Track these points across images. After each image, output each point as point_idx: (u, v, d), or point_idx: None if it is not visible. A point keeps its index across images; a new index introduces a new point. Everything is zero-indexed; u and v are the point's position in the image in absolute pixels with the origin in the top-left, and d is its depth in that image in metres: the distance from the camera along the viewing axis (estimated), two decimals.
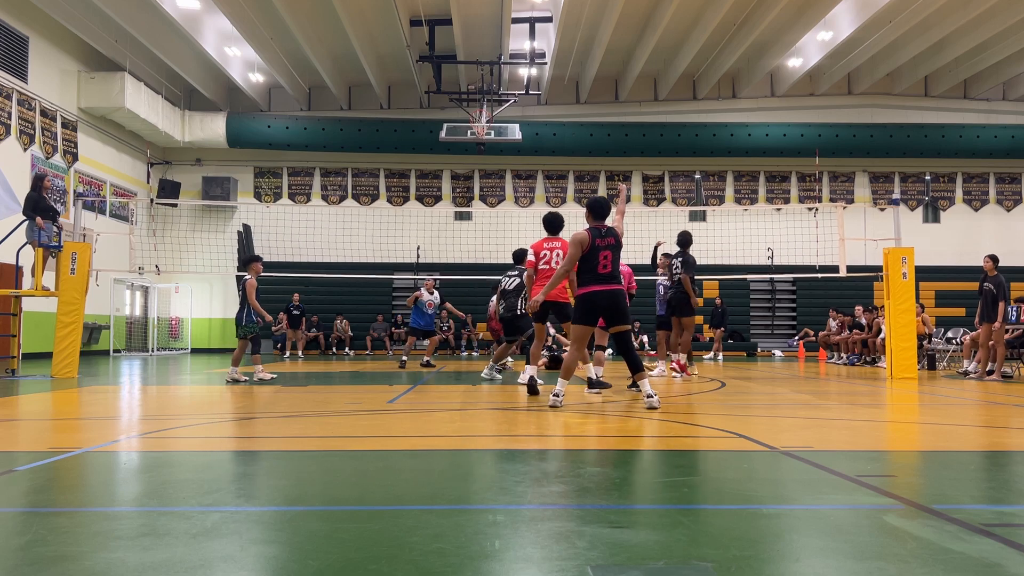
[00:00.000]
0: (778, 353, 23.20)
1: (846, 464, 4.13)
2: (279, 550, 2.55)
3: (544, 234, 8.97)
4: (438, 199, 25.44)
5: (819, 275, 15.98)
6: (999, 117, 25.32)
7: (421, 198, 25.45)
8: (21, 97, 17.54)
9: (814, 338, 21.02)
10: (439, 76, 21.57)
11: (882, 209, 24.82)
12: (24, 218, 12.17)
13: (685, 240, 11.61)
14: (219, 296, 24.65)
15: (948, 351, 15.89)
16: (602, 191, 25.29)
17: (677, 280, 11.37)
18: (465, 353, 23.24)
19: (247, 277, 10.85)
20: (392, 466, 4.21)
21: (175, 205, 24.17)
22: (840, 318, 18.83)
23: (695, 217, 25.12)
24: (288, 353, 21.14)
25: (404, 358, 14.91)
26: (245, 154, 24.59)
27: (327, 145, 24.16)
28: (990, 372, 11.64)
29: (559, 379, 7.07)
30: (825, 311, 20.63)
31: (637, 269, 11.20)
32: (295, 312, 21.19)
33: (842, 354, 18.00)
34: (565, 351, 11.02)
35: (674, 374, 11.50)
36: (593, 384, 8.58)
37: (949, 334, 16.11)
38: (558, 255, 8.66)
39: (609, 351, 11.56)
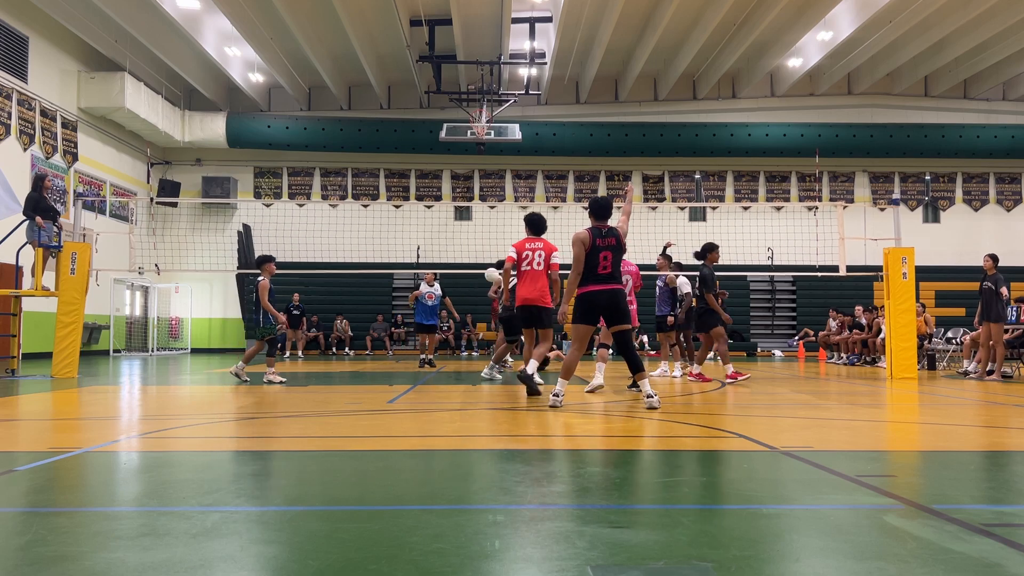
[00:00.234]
0: (778, 353, 23.20)
1: (846, 464, 4.13)
2: (279, 550, 2.55)
3: (525, 234, 8.67)
4: (438, 199, 25.44)
5: (819, 275, 15.98)
6: (999, 117, 25.32)
7: (421, 198, 25.45)
8: (21, 97, 17.54)
9: (814, 338, 21.01)
10: (439, 76, 21.58)
11: (882, 209, 24.83)
12: (24, 218, 12.17)
13: (703, 251, 10.76)
14: (219, 296, 24.66)
15: (948, 351, 15.90)
16: (602, 191, 25.30)
17: (699, 295, 10.69)
18: (465, 353, 23.24)
19: (260, 278, 10.74)
20: (392, 466, 4.21)
21: (175, 205, 24.18)
22: (840, 318, 18.83)
23: (695, 217, 25.14)
24: (288, 353, 21.14)
25: (422, 356, 14.75)
26: (245, 154, 24.59)
27: (327, 145, 24.16)
28: (990, 372, 11.65)
29: (559, 379, 7.07)
30: (825, 311, 20.63)
31: (641, 269, 11.08)
32: (295, 312, 21.19)
33: (842, 354, 18.00)
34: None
35: (689, 378, 10.91)
36: (526, 379, 7.87)
37: (949, 334, 16.12)
38: (540, 255, 8.38)
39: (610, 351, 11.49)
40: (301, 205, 24.44)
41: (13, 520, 3.01)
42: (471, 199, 25.42)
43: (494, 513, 3.04)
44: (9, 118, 17.10)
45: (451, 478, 3.88)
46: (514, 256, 8.51)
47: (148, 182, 23.91)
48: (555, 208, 23.60)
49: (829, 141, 24.31)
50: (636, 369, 7.04)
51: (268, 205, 24.15)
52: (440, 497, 3.38)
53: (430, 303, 14.88)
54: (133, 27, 18.56)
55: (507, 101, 21.62)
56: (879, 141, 24.45)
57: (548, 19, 20.49)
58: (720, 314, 10.50)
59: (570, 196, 25.42)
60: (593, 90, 24.82)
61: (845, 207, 14.78)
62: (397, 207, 24.97)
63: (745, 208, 24.81)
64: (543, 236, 8.66)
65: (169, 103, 22.60)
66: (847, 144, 24.44)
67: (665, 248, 12.39)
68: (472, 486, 3.71)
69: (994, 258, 11.81)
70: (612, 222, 7.26)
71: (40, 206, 12.14)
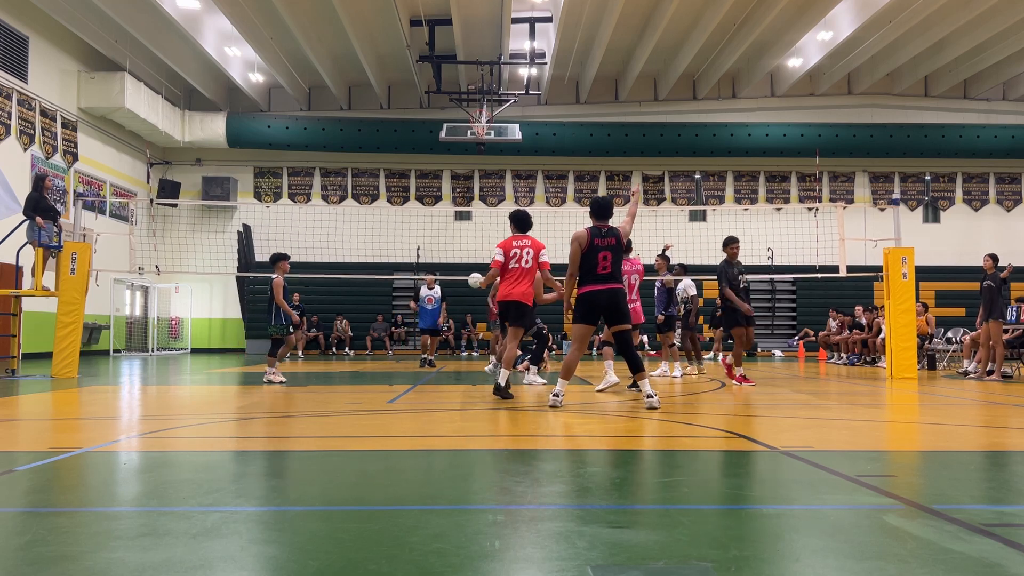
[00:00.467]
0: (778, 353, 23.19)
1: (846, 464, 4.13)
2: (279, 550, 2.55)
3: (510, 232, 8.39)
4: (438, 199, 25.45)
5: (819, 275, 15.96)
6: (999, 117, 25.32)
7: (421, 198, 25.45)
8: (21, 97, 17.54)
9: (814, 338, 21.01)
10: (439, 76, 21.57)
11: (882, 209, 24.81)
12: (24, 218, 12.17)
13: (723, 244, 10.68)
14: (219, 296, 24.66)
15: (948, 351, 15.90)
16: (602, 191, 25.30)
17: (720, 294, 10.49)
18: (465, 353, 23.24)
19: (274, 276, 10.85)
20: (392, 466, 4.21)
21: (175, 205, 24.17)
22: (840, 318, 18.83)
23: (695, 217, 25.12)
24: (288, 353, 21.13)
25: (423, 356, 14.94)
26: (245, 154, 24.59)
27: (327, 145, 24.16)
28: (990, 372, 11.65)
29: (559, 379, 7.07)
30: (825, 311, 20.62)
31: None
32: (295, 312, 21.18)
33: (842, 354, 18.00)
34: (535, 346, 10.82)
35: (733, 383, 10.26)
36: (498, 390, 7.82)
37: (949, 334, 16.12)
38: (529, 253, 8.10)
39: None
40: (303, 203, 24.44)
41: (13, 520, 3.01)
42: (471, 199, 25.42)
43: (494, 513, 3.04)
44: (9, 118, 17.10)
45: (451, 478, 3.88)
46: (500, 259, 8.13)
47: (148, 182, 23.91)
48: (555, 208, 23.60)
49: (829, 141, 24.31)
50: (636, 369, 7.04)
51: (269, 206, 24.14)
52: (440, 497, 3.38)
53: (430, 307, 14.96)
54: (133, 27, 18.55)
55: (507, 101, 21.62)
56: (879, 141, 24.45)
57: (548, 19, 20.49)
58: (740, 307, 10.02)
59: (570, 196, 25.42)
60: (593, 90, 24.82)
61: (845, 207, 14.78)
62: (398, 205, 24.98)
63: (745, 208, 24.81)
64: (529, 233, 8.37)
65: (169, 103, 22.60)
66: (847, 144, 24.44)
67: (664, 250, 12.40)
68: (472, 486, 3.71)
69: (994, 258, 11.85)
70: (615, 222, 7.25)
71: (40, 206, 12.14)
